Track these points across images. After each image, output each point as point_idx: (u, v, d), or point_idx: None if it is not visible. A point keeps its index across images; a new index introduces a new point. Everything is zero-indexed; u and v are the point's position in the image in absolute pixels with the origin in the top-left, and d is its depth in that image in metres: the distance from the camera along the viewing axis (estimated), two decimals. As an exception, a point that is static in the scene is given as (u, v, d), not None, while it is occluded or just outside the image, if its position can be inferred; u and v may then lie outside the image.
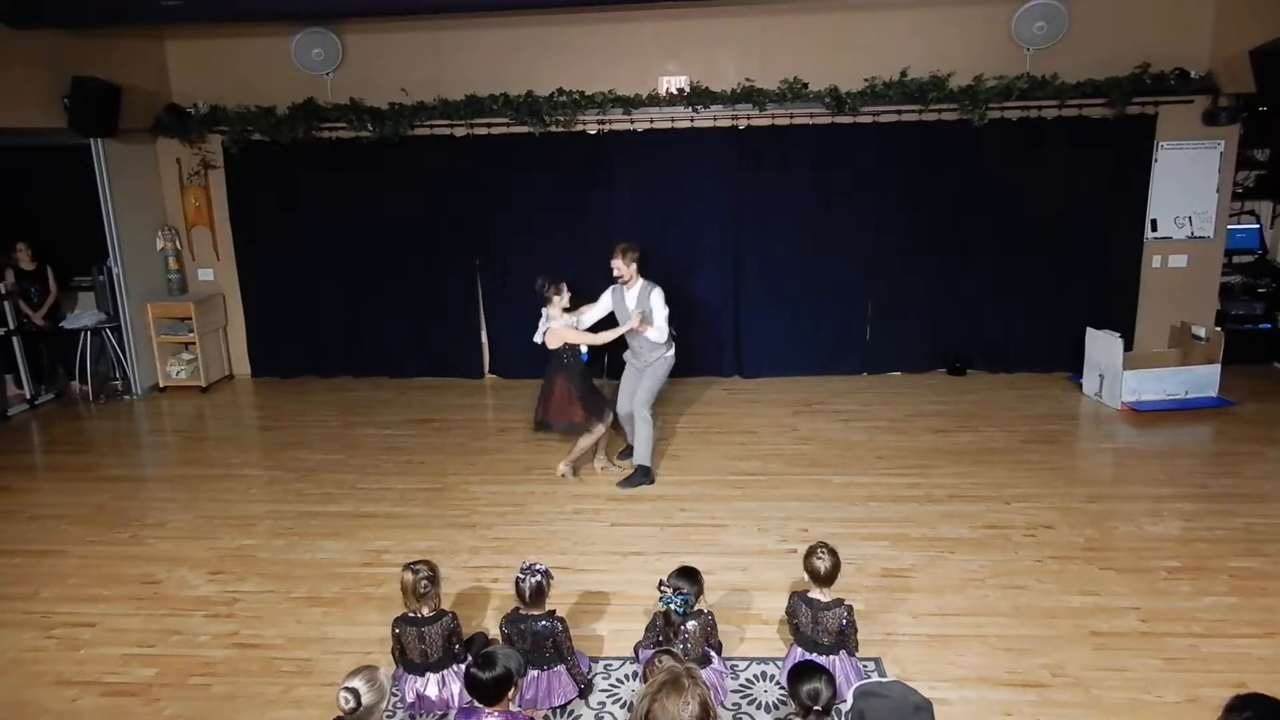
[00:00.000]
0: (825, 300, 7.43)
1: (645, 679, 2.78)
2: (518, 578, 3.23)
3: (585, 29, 7.15)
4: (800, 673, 2.59)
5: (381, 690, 2.52)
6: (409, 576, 3.20)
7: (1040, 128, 6.97)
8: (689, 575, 3.33)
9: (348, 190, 7.51)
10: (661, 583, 3.31)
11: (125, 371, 7.56)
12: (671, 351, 5.45)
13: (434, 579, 3.23)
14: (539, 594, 3.20)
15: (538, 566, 3.24)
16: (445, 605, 3.42)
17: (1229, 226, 7.33)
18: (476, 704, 2.66)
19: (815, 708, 2.51)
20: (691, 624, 3.17)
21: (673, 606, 3.14)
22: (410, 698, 3.17)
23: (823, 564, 3.27)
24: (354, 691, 2.45)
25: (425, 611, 3.22)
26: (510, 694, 2.68)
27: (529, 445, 6.04)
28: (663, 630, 3.15)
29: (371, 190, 7.50)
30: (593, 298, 5.52)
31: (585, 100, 7.02)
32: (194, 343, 7.61)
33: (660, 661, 2.69)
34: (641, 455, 5.34)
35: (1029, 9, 6.77)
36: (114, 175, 7.09)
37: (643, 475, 5.29)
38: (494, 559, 4.36)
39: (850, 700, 2.60)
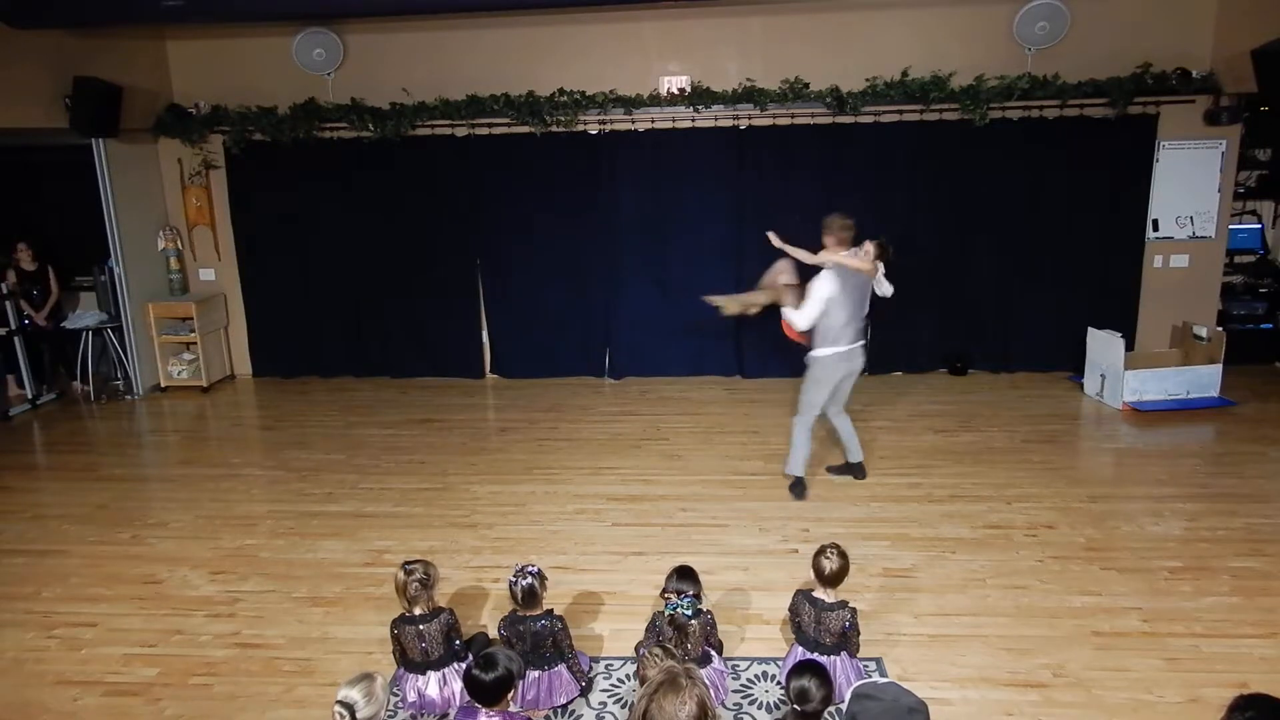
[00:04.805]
0: (826, 300, 7.42)
1: (640, 673, 2.78)
2: (510, 580, 3.23)
3: (586, 29, 7.15)
4: (794, 670, 2.60)
5: (379, 701, 2.52)
6: (402, 576, 3.21)
7: (1041, 127, 6.96)
8: (689, 576, 3.33)
9: (349, 190, 7.51)
10: (664, 590, 3.30)
11: (127, 371, 7.57)
12: (822, 352, 4.88)
13: (426, 582, 3.22)
14: (531, 595, 3.20)
15: (530, 569, 3.24)
16: (445, 604, 3.41)
17: (1230, 226, 7.32)
18: (476, 704, 2.67)
19: (796, 706, 2.50)
20: (692, 623, 3.16)
21: (681, 610, 3.13)
22: (412, 697, 3.17)
23: (829, 564, 3.25)
24: (349, 707, 2.44)
25: (417, 611, 3.22)
26: (510, 695, 2.68)
27: (530, 445, 6.05)
28: (672, 637, 3.14)
29: (373, 190, 7.51)
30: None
31: (586, 100, 7.02)
32: (195, 343, 7.61)
33: (653, 654, 2.69)
34: (792, 465, 5.06)
35: (1031, 9, 6.76)
36: (115, 175, 7.09)
37: (796, 488, 5.04)
38: (495, 559, 4.36)
39: (847, 702, 2.60)
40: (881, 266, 4.95)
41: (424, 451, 5.98)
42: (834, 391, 5.03)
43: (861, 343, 4.98)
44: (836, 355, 4.87)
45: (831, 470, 5.36)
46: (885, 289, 5.03)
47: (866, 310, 4.99)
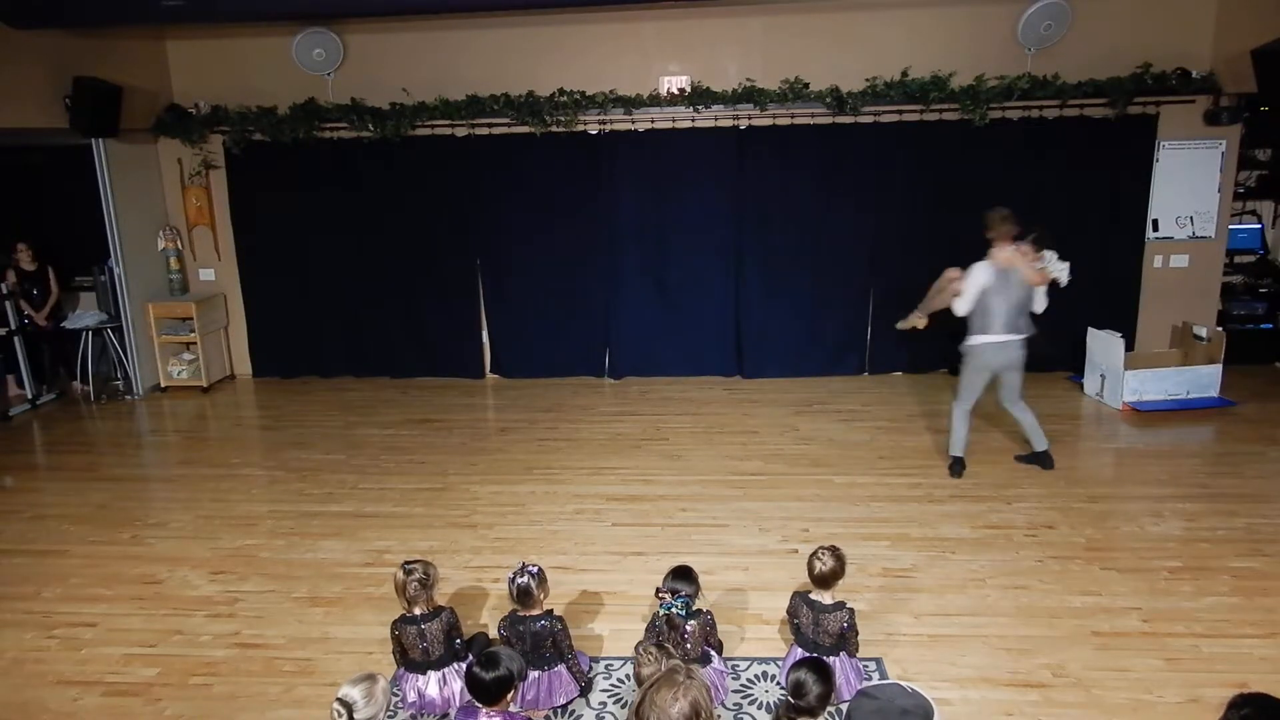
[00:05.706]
0: (826, 300, 7.43)
1: (635, 671, 2.78)
2: (509, 578, 3.23)
3: (586, 29, 7.15)
4: (796, 663, 2.60)
5: (379, 704, 2.51)
6: (401, 575, 3.21)
7: (1041, 128, 6.96)
8: (686, 575, 3.33)
9: (349, 190, 7.51)
10: (659, 590, 3.30)
11: (126, 371, 7.57)
12: (973, 340, 5.04)
13: (425, 583, 3.21)
14: (527, 595, 3.19)
15: (530, 568, 3.24)
16: (445, 604, 3.42)
17: (1230, 226, 7.33)
18: (476, 704, 2.67)
19: (790, 699, 2.50)
20: (691, 623, 3.16)
21: (675, 610, 3.13)
22: (412, 696, 3.17)
23: (821, 565, 3.25)
24: (347, 706, 2.44)
25: (417, 611, 3.22)
26: (510, 695, 2.68)
27: (530, 445, 6.05)
28: (668, 635, 3.14)
29: (373, 190, 7.51)
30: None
31: (586, 100, 7.02)
32: (195, 343, 7.61)
33: (647, 652, 2.69)
34: (951, 446, 5.34)
35: (1037, 10, 6.73)
36: (115, 175, 7.09)
37: (954, 467, 5.30)
38: (495, 559, 4.36)
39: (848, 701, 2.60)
40: (1052, 261, 5.07)
41: (424, 451, 5.98)
42: (996, 381, 5.17)
43: (1017, 336, 5.04)
44: (988, 344, 5.01)
45: (1019, 459, 5.46)
46: (1040, 304, 5.12)
47: (1031, 306, 5.07)
